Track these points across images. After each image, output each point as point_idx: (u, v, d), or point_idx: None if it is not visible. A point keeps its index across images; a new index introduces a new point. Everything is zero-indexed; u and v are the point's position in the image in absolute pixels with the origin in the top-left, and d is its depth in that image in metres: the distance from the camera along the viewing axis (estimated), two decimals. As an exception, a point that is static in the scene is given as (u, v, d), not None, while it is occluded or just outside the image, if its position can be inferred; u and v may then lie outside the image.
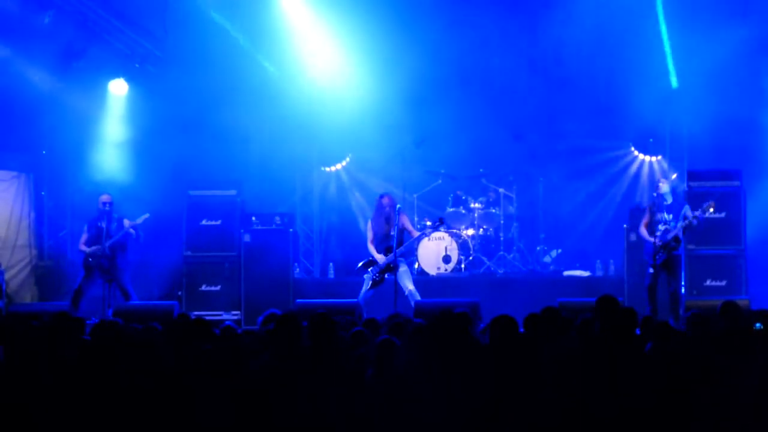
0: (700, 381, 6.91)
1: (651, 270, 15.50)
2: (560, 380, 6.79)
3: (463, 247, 18.90)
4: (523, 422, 6.62)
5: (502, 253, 19.27)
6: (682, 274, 16.01)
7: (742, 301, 13.34)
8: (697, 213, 15.43)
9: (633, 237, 17.29)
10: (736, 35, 18.13)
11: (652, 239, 15.48)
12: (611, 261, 18.50)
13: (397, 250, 15.84)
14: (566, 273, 18.81)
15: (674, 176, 15.92)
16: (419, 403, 6.71)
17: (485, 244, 19.40)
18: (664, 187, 15.70)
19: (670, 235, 15.45)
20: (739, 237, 17.30)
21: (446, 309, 7.56)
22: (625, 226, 17.54)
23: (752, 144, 18.35)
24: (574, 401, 6.65)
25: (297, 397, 6.82)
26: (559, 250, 19.61)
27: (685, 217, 15.40)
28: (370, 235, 16.42)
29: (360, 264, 16.30)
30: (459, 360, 7.03)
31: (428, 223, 17.85)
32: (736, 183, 17.54)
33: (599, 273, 18.51)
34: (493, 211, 19.40)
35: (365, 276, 16.19)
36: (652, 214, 15.66)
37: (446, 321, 7.41)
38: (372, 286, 16.12)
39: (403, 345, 7.63)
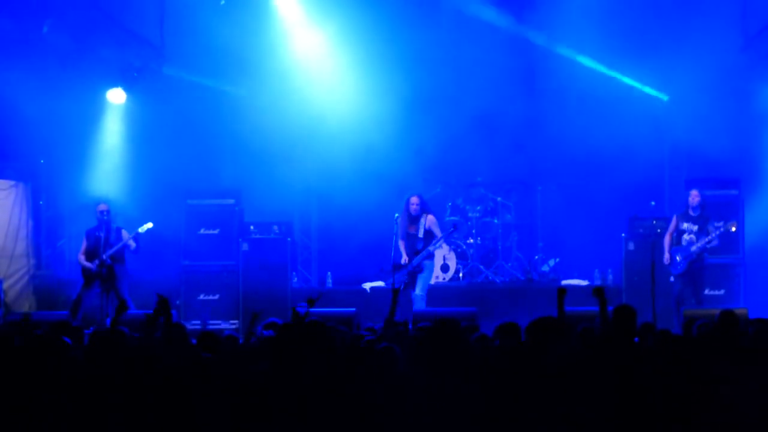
0: (699, 388, 6.91)
1: (672, 279, 15.90)
2: (561, 387, 6.79)
3: (461, 256, 18.91)
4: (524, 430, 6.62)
5: (500, 262, 19.26)
6: (704, 281, 16.27)
7: (741, 311, 13.34)
8: (719, 229, 15.86)
9: (631, 246, 17.36)
10: (733, 44, 18.19)
11: (667, 255, 16.10)
12: (609, 270, 18.50)
13: (415, 257, 15.99)
14: (564, 282, 18.78)
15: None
16: (419, 411, 6.71)
17: (483, 253, 19.39)
18: (695, 199, 16.02)
19: (695, 249, 15.93)
20: (737, 246, 17.33)
21: (443, 318, 7.56)
22: (623, 235, 17.56)
23: (750, 151, 18.36)
24: (576, 408, 6.65)
25: (297, 406, 6.82)
26: (558, 259, 19.59)
27: (708, 232, 15.80)
28: (400, 232, 16.48)
29: (393, 266, 16.39)
30: (456, 368, 7.03)
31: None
32: (735, 191, 17.59)
33: (597, 282, 18.50)
34: (492, 220, 19.41)
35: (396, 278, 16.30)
36: (678, 223, 15.98)
37: (443, 329, 7.40)
38: (405, 288, 16.14)
39: (402, 353, 7.63)
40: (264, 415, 6.84)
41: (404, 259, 16.22)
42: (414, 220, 16.27)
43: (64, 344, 8.34)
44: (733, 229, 16.15)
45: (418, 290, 16.10)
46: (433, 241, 16.33)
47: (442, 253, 18.54)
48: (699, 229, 15.98)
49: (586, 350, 7.51)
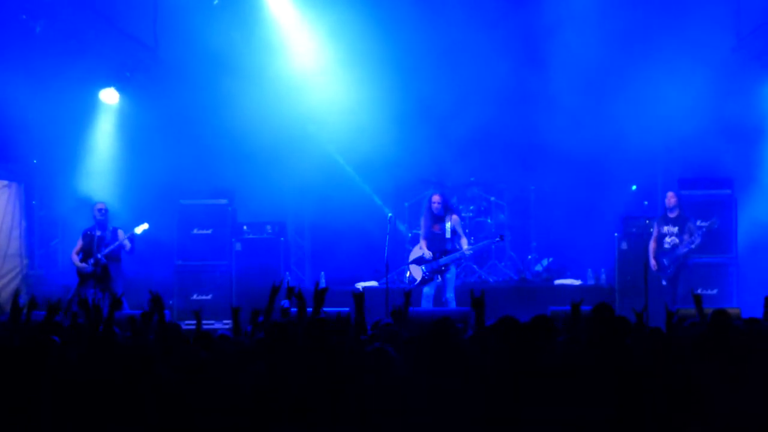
0: (690, 388, 6.92)
1: (664, 282, 16.06)
2: (553, 388, 6.79)
3: (454, 255, 18.92)
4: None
5: (493, 261, 19.26)
6: (692, 279, 16.42)
7: (733, 310, 13.36)
8: (702, 229, 16.19)
9: (624, 246, 17.40)
10: (726, 44, 18.22)
11: (653, 261, 16.29)
12: (602, 270, 18.51)
13: (442, 257, 15.96)
14: (557, 282, 18.81)
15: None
16: (413, 413, 6.71)
17: (477, 253, 19.38)
18: (672, 201, 16.21)
19: (681, 251, 16.21)
20: (730, 245, 17.37)
21: (437, 319, 7.56)
22: (616, 234, 17.60)
23: (743, 152, 18.38)
24: (568, 410, 6.66)
25: (292, 406, 6.82)
26: (551, 259, 19.60)
27: (690, 233, 16.10)
28: (422, 231, 16.45)
29: (410, 261, 16.39)
30: (450, 368, 7.03)
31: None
32: (728, 191, 17.65)
33: (590, 282, 18.53)
34: (485, 219, 19.41)
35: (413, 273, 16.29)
36: (659, 227, 16.34)
37: (437, 330, 7.40)
38: (421, 284, 16.12)
39: (396, 353, 7.62)
40: (259, 416, 6.84)
41: (428, 254, 16.15)
42: (437, 219, 16.20)
43: (54, 344, 8.32)
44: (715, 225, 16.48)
45: (449, 293, 16.08)
46: (475, 246, 16.65)
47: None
48: (679, 230, 16.23)
49: (576, 350, 7.51)
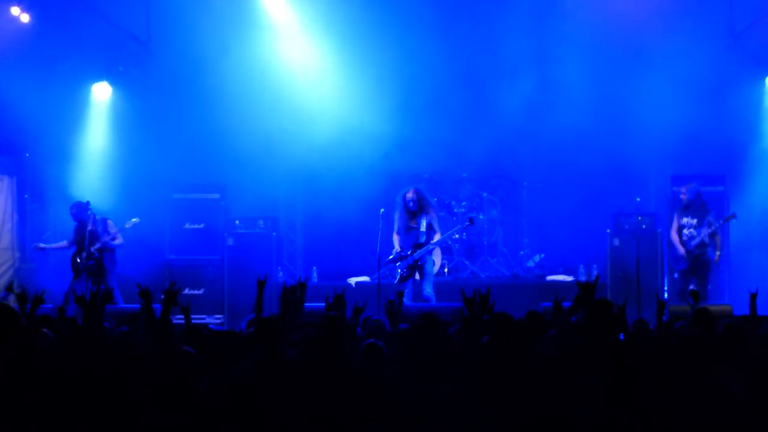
0: (675, 385, 6.93)
1: (676, 275, 16.04)
2: (547, 384, 6.80)
3: (446, 251, 18.88)
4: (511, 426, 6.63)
5: (485, 257, 19.25)
6: (708, 276, 16.31)
7: (725, 307, 13.37)
8: (720, 221, 16.29)
9: (616, 242, 17.40)
10: (719, 42, 18.23)
11: (681, 248, 16.24)
12: (594, 266, 18.49)
13: (415, 251, 15.88)
14: (549, 278, 18.79)
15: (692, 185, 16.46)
16: (406, 408, 6.71)
17: (469, 249, 19.38)
18: (683, 196, 16.21)
19: (695, 242, 16.16)
20: (722, 242, 17.36)
21: (427, 313, 7.56)
22: (608, 231, 17.60)
23: (735, 148, 18.41)
24: (561, 405, 6.66)
25: (283, 403, 6.81)
26: (543, 255, 19.60)
27: (709, 224, 16.09)
28: (396, 226, 16.41)
29: (390, 258, 16.32)
30: (443, 364, 7.03)
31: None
32: (720, 188, 17.68)
33: (582, 278, 18.49)
34: (477, 215, 19.39)
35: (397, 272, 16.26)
36: (679, 218, 16.39)
37: (428, 325, 7.40)
38: (400, 281, 16.10)
39: (387, 349, 7.62)
40: (250, 412, 6.83)
41: (398, 249, 16.13)
42: (412, 214, 16.20)
43: (46, 337, 8.31)
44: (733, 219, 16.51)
45: (428, 288, 16.06)
46: (445, 234, 16.49)
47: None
48: (698, 222, 16.18)
49: (569, 346, 7.52)
